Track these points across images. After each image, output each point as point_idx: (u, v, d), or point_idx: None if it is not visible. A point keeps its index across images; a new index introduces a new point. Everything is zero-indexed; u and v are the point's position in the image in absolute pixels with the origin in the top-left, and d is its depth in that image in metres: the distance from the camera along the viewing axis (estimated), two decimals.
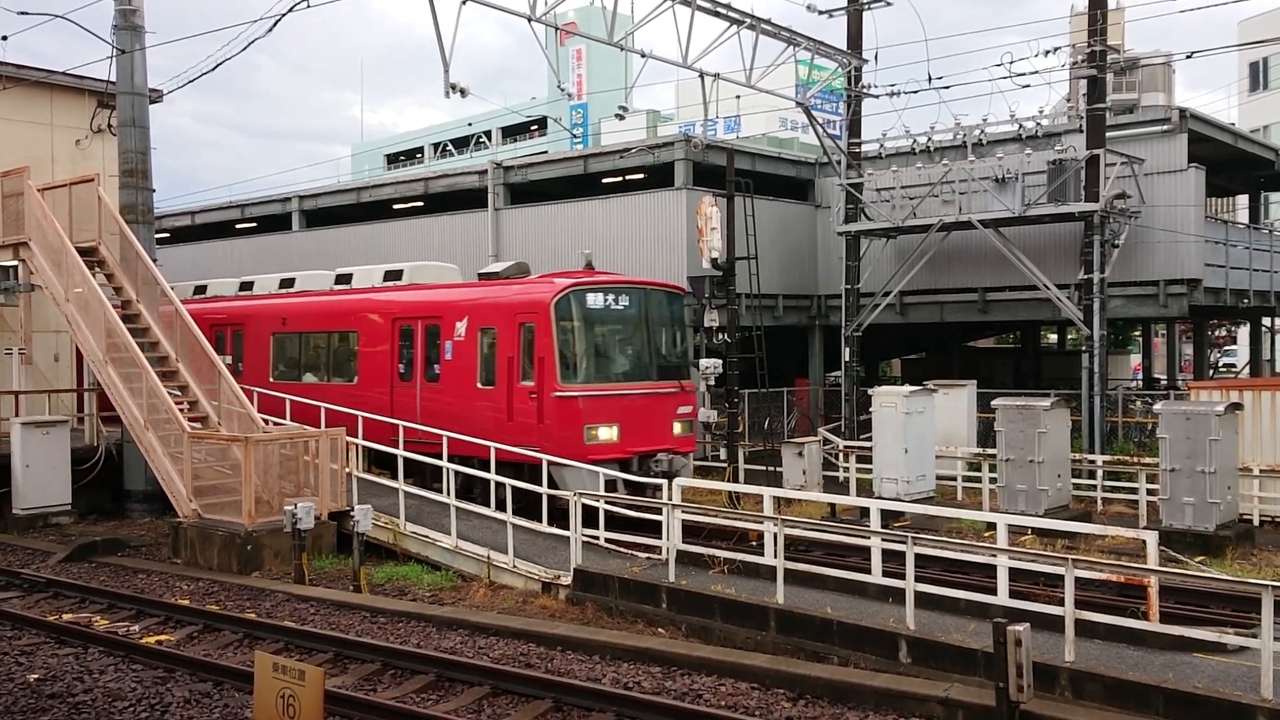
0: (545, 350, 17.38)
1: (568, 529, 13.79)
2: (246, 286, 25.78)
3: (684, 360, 19.70)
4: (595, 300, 18.14)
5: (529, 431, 17.38)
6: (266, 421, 18.60)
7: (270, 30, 17.51)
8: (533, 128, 74.80)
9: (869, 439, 19.43)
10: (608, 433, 17.33)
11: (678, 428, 18.44)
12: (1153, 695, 9.06)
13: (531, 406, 17.47)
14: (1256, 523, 17.55)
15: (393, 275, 22.22)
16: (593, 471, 15.85)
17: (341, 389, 21.13)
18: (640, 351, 18.82)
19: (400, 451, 17.16)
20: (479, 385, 18.39)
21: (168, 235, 37.19)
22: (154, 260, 19.70)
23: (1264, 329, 36.35)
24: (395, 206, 33.47)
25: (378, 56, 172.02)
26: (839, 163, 25.59)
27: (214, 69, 20.00)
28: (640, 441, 17.75)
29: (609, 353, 18.74)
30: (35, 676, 10.42)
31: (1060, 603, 9.81)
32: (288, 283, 24.66)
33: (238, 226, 37.56)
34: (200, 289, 26.75)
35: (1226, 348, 55.26)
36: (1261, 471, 17.70)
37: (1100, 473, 19.33)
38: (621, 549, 14.34)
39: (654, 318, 18.95)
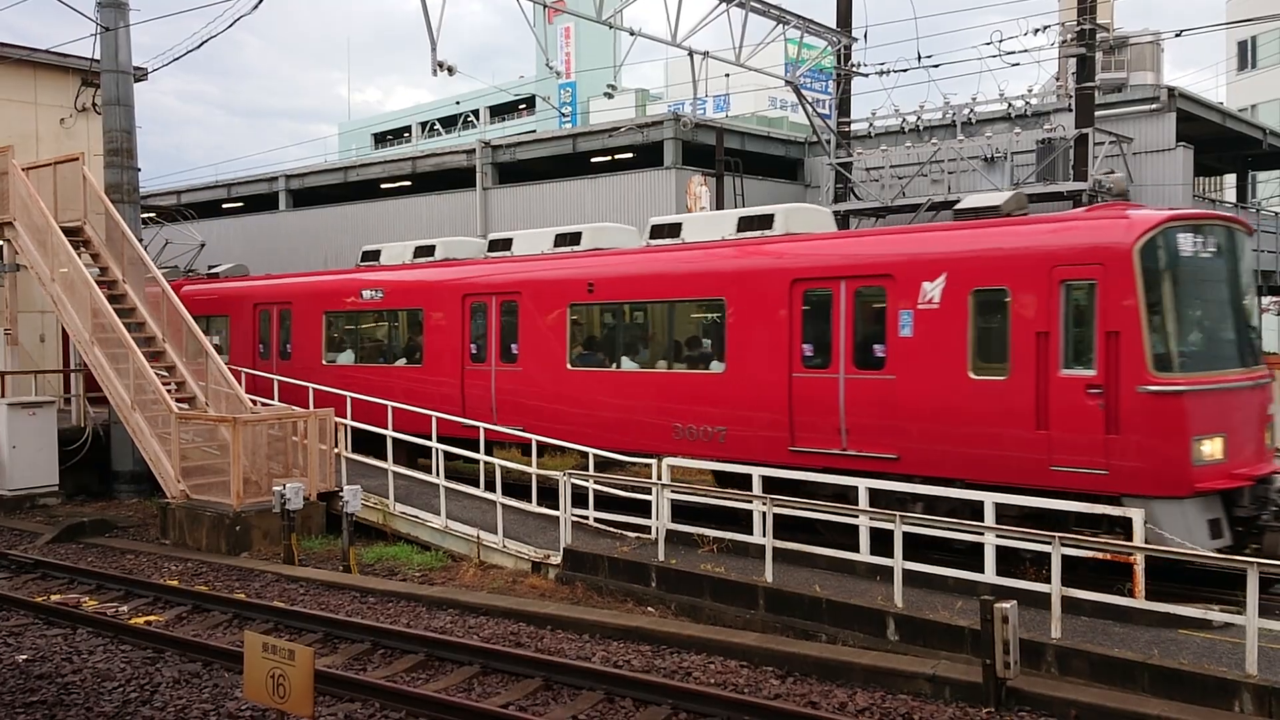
0: (1124, 321, 11.55)
1: (557, 509, 13.80)
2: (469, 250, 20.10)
3: (1259, 334, 14.61)
4: (1191, 243, 12.17)
5: (1084, 446, 11.74)
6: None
7: (256, 7, 17.40)
8: (521, 107, 74.41)
9: None
10: (1213, 447, 11.57)
11: (1268, 436, 12.72)
12: (1138, 672, 9.13)
13: (1093, 407, 11.67)
14: None
15: (667, 231, 16.83)
16: (1204, 509, 11.35)
17: (690, 379, 15.61)
18: (1237, 322, 12.91)
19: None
20: (972, 374, 12.58)
21: (153, 214, 36.97)
22: (139, 240, 19.59)
23: None
24: (383, 186, 33.33)
25: (364, 35, 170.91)
26: (828, 142, 25.54)
27: (199, 46, 19.94)
28: (1247, 458, 11.98)
29: (1210, 324, 12.87)
30: (24, 657, 10.41)
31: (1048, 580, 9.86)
32: (501, 244, 19.12)
33: (224, 206, 37.35)
34: (370, 254, 21.60)
35: None
36: None
37: None
38: (611, 529, 14.36)
39: (1243, 270, 13.13)
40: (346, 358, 20.87)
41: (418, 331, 19.38)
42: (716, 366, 15.14)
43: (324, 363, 20.99)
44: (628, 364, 16.42)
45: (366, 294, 20.23)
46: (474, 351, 18.21)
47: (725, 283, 15.03)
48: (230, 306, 23.29)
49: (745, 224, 15.83)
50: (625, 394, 16.09)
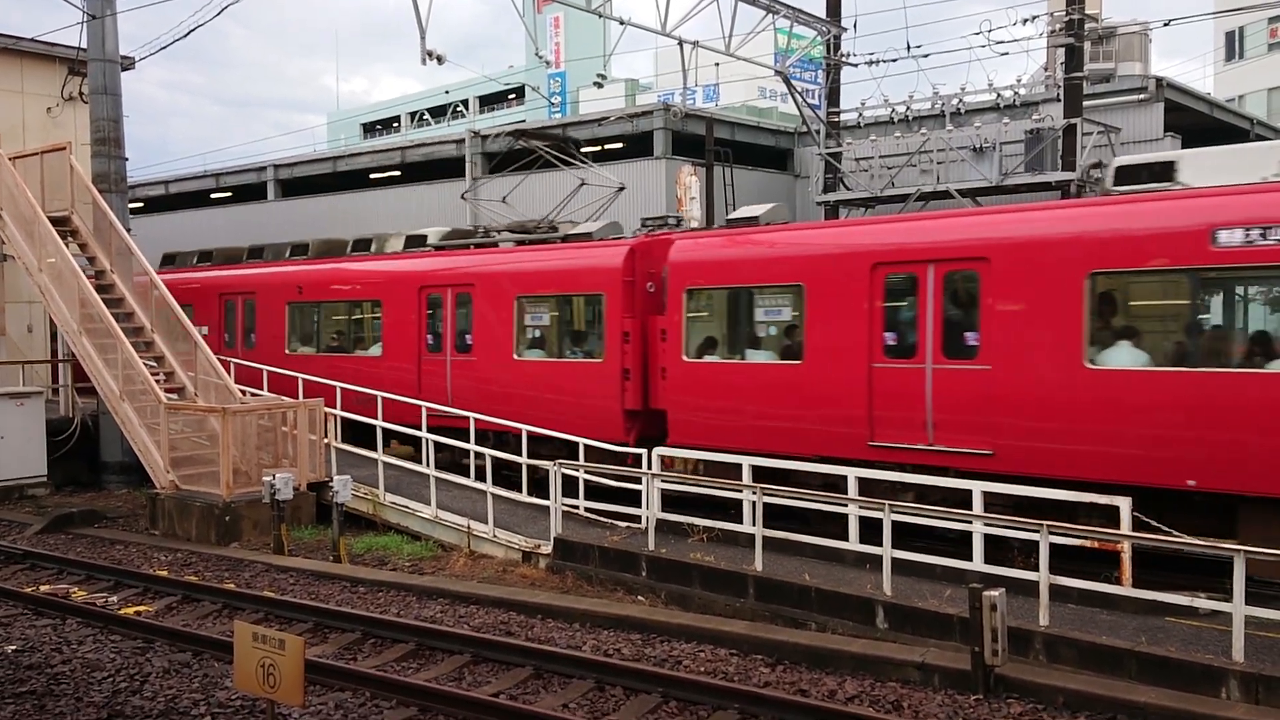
0: None
1: (547, 499, 13.82)
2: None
3: None
4: None
5: None
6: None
7: None
8: (510, 96, 74.22)
9: None
10: None
11: None
12: (1126, 659, 9.19)
13: None
14: None
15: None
16: None
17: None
18: None
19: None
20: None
21: (141, 205, 36.83)
22: (128, 230, 19.52)
23: None
24: (372, 176, 33.27)
25: (350, 23, 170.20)
26: (818, 132, 25.54)
27: (187, 35, 19.80)
28: None
29: None
30: (13, 648, 10.39)
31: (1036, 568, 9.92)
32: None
33: (212, 196, 37.21)
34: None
35: None
36: None
37: None
38: (601, 518, 14.38)
39: None
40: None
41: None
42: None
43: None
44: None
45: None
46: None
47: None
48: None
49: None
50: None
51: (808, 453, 13.62)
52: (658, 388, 15.81)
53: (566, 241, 17.89)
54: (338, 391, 18.70)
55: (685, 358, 15.26)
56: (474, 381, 17.95)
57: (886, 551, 10.84)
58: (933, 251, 13.04)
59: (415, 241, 20.44)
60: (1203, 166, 12.05)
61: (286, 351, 21.34)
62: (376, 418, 17.26)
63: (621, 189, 19.83)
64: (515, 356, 17.45)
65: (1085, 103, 22.24)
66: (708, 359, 15.22)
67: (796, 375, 14.10)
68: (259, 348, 21.98)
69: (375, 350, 19.89)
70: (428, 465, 15.91)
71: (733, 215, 16.53)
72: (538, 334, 17.60)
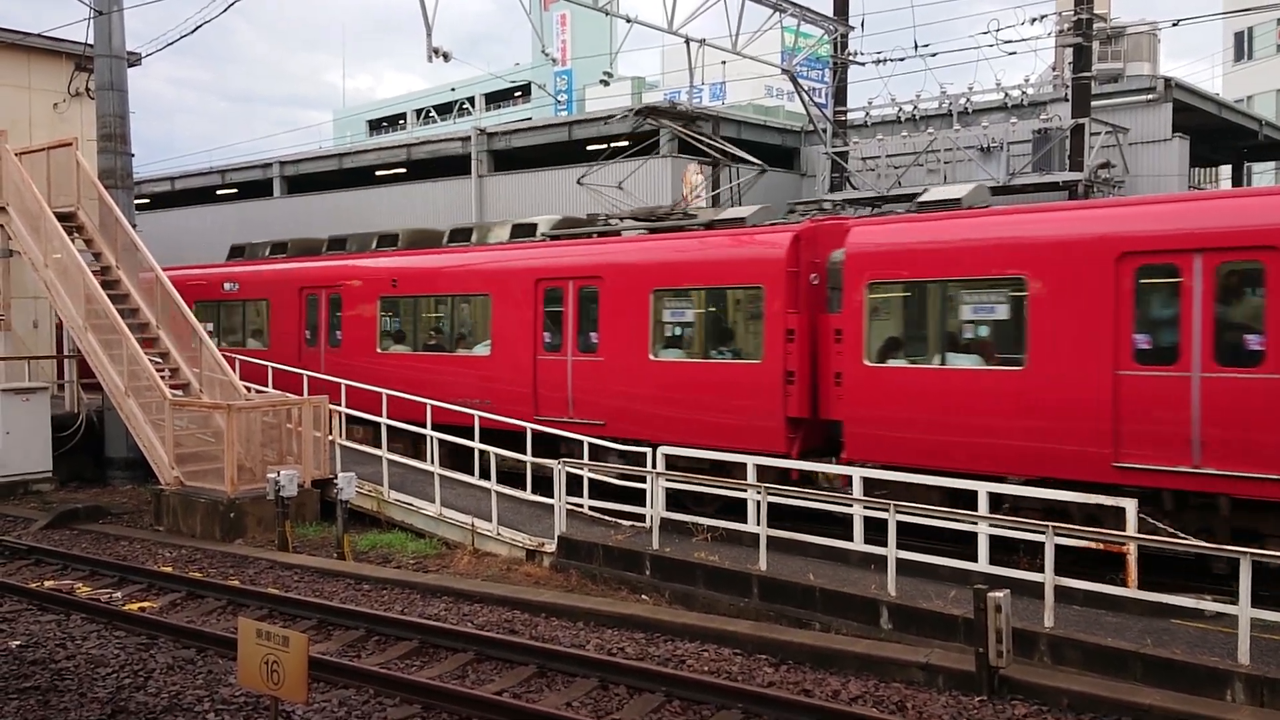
0: None
1: (552, 497, 13.80)
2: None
3: None
4: None
5: None
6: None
7: None
8: (516, 94, 74.24)
9: None
10: None
11: None
12: (1131, 661, 9.16)
13: None
14: None
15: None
16: None
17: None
18: None
19: None
20: None
21: (147, 201, 36.86)
22: (133, 226, 19.53)
23: None
24: (378, 173, 33.27)
25: (355, 20, 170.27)
26: (824, 131, 25.49)
27: (194, 31, 19.80)
28: None
29: None
30: (17, 643, 10.40)
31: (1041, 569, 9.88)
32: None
33: (218, 192, 37.24)
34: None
35: None
36: None
37: None
38: (606, 517, 14.36)
39: None
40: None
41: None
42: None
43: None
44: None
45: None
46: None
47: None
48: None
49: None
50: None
51: (1026, 474, 12.30)
52: (829, 395, 14.16)
53: (712, 228, 16.22)
54: (427, 409, 17.09)
55: (866, 362, 13.57)
56: (600, 383, 16.40)
57: (891, 552, 10.81)
58: (1202, 239, 11.32)
59: (523, 231, 18.93)
60: None
61: (378, 350, 19.92)
62: (474, 437, 16.09)
63: (764, 171, 18.72)
64: (650, 357, 15.86)
65: (1093, 103, 22.19)
66: (894, 363, 13.56)
67: (1015, 384, 12.38)
68: (345, 346, 20.57)
69: (482, 349, 18.34)
70: (431, 462, 15.90)
71: (925, 198, 15.12)
72: (678, 331, 16.04)
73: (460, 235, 19.98)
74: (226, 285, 23.50)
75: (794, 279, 14.46)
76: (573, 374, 16.78)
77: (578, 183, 21.41)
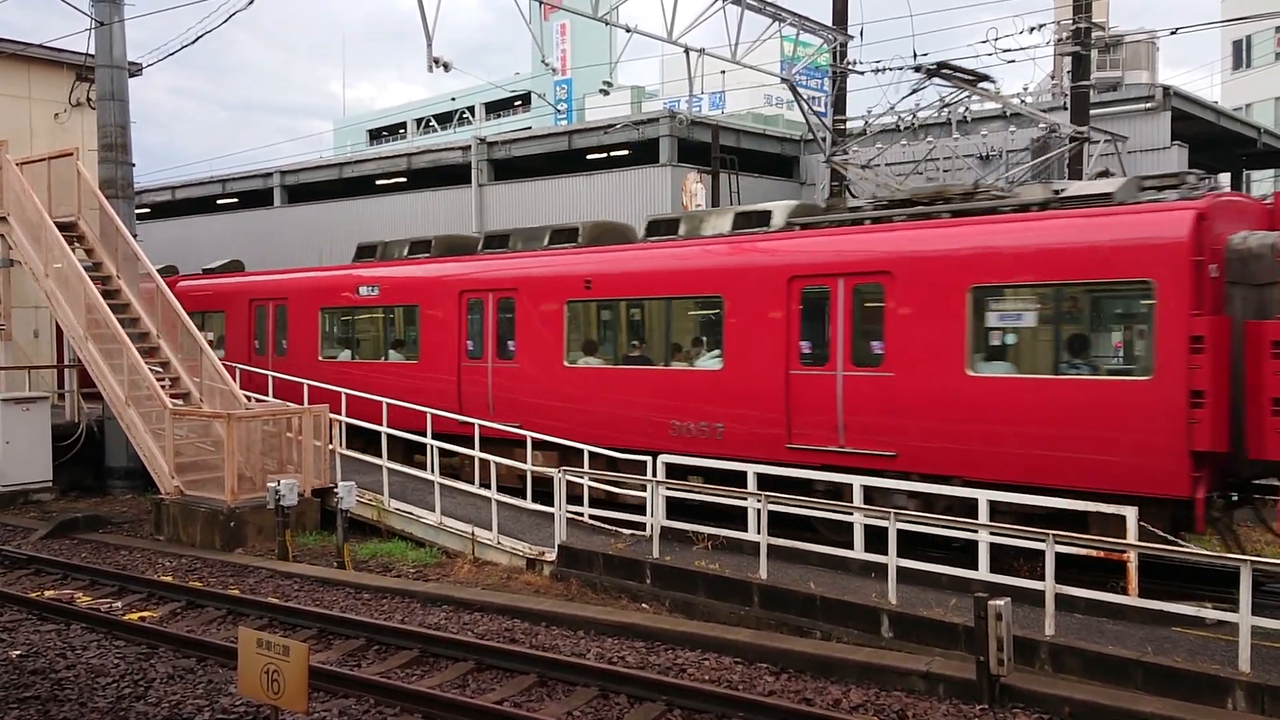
0: None
1: (552, 505, 13.80)
2: None
3: None
4: None
5: None
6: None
7: (252, 2, 17.34)
8: (516, 103, 74.33)
9: None
10: None
11: None
12: (1132, 669, 9.15)
13: None
14: None
15: None
16: None
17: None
18: None
19: None
20: None
21: (148, 210, 36.92)
22: (134, 236, 19.57)
23: None
24: (378, 183, 33.36)
25: (356, 30, 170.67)
26: (824, 140, 25.52)
27: (194, 41, 19.83)
28: None
29: None
30: (17, 653, 10.39)
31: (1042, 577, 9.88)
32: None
33: (218, 202, 37.32)
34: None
35: None
36: None
37: None
38: (606, 525, 14.35)
39: None
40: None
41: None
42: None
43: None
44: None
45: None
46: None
47: None
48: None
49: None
50: None
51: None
52: (1263, 427, 11.05)
53: (1057, 209, 12.85)
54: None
55: None
56: (887, 403, 13.35)
57: (892, 560, 10.80)
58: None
59: (751, 220, 15.70)
60: None
61: (565, 364, 16.88)
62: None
63: (1123, 139, 17.61)
64: (968, 372, 12.70)
65: (1092, 111, 22.24)
66: None
67: None
68: (521, 356, 17.54)
69: (711, 361, 15.30)
70: (431, 471, 15.90)
71: None
72: (1008, 339, 12.89)
73: (661, 227, 16.85)
74: (363, 290, 20.43)
75: (1198, 270, 11.34)
76: (843, 391, 13.82)
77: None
